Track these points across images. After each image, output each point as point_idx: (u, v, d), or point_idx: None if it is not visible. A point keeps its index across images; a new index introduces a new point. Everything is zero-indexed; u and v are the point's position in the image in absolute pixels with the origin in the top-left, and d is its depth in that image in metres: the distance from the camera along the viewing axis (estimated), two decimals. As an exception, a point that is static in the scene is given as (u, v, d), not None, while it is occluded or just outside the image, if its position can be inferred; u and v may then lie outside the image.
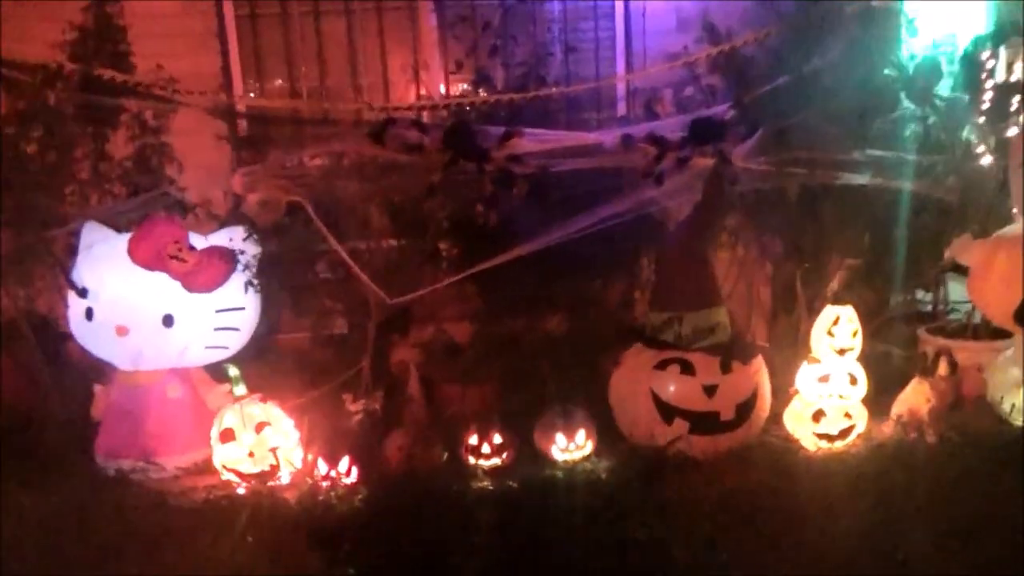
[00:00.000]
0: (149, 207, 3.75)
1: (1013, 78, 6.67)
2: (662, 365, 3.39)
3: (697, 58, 3.97)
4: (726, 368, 3.35)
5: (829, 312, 3.45)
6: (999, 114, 6.70)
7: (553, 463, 3.40)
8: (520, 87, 4.43)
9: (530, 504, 3.05)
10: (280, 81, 4.58)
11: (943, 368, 3.45)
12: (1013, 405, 3.53)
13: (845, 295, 3.65)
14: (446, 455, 3.41)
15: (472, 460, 3.38)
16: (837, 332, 3.43)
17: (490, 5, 4.58)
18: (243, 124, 4.50)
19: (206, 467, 3.42)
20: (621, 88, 4.62)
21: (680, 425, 3.33)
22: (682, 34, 4.46)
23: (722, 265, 4.05)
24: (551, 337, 4.04)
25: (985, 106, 6.63)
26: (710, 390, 3.31)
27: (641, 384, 3.41)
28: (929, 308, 4.72)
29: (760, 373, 3.47)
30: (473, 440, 3.39)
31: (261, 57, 4.52)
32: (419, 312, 4.14)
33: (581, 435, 3.44)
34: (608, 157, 3.50)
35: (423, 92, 4.52)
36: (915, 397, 3.51)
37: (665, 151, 3.44)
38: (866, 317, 3.97)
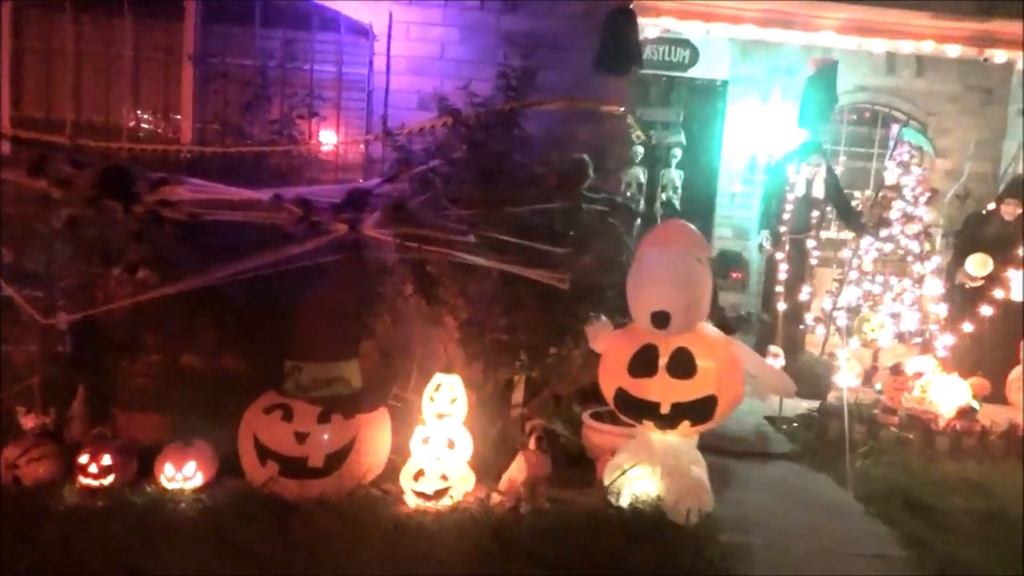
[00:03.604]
0: None
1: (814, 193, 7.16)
2: (269, 409, 3.61)
3: (401, 132, 4.31)
4: (324, 419, 3.56)
5: (434, 379, 3.70)
6: (799, 223, 7.16)
7: (156, 490, 3.59)
8: (267, 142, 4.80)
9: (90, 524, 3.23)
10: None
11: (532, 443, 3.67)
12: (609, 487, 3.74)
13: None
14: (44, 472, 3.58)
15: (81, 479, 3.58)
16: (438, 398, 3.67)
17: (249, 66, 4.95)
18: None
19: None
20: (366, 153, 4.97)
21: (271, 467, 3.53)
22: (423, 111, 4.81)
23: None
24: (229, 373, 4.24)
25: (787, 216, 7.12)
26: (301, 437, 3.53)
27: (249, 425, 3.63)
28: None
29: (369, 427, 3.68)
30: (83, 459, 3.59)
31: (28, 88, 4.89)
32: (150, 340, 4.38)
33: (191, 467, 3.65)
34: (259, 213, 3.77)
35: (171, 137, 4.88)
36: (516, 469, 3.72)
37: (308, 213, 3.72)
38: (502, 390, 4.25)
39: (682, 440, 3.76)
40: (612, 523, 3.55)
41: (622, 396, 3.69)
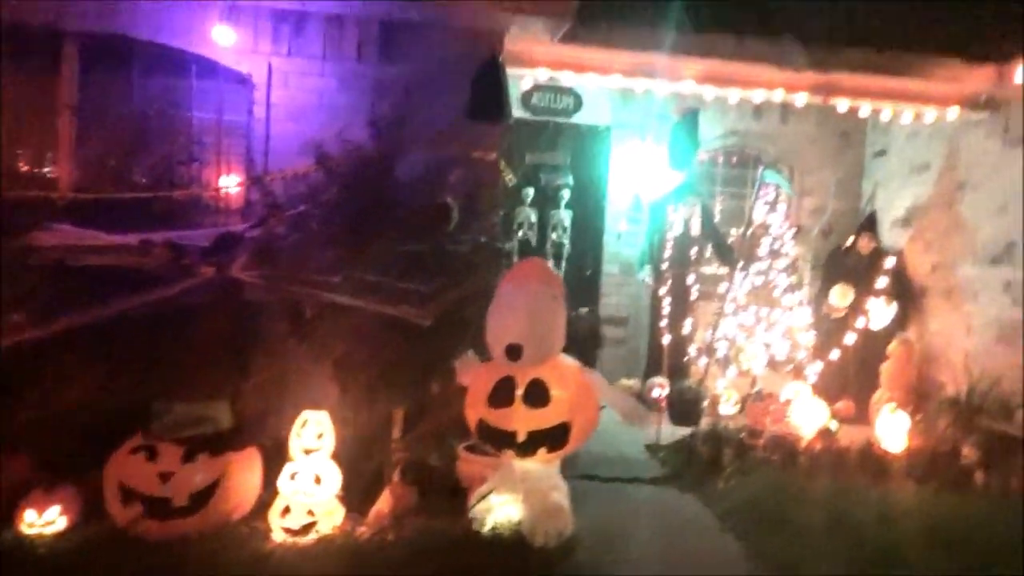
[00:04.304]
0: None
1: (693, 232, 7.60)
2: (134, 451, 3.66)
3: (272, 177, 4.47)
4: (189, 458, 3.63)
5: (301, 416, 3.82)
6: (678, 260, 7.57)
7: (14, 536, 3.57)
8: (147, 187, 4.88)
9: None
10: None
11: (396, 475, 3.82)
12: (472, 514, 3.92)
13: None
14: None
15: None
16: (304, 434, 3.79)
17: (129, 113, 5.03)
18: None
19: None
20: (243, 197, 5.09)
21: (135, 508, 3.57)
22: (303, 157, 4.95)
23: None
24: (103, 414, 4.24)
25: (667, 253, 7.52)
26: (165, 477, 3.59)
27: (114, 467, 3.67)
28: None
29: (236, 466, 3.76)
30: (-66, 507, 3.55)
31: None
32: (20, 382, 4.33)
33: (54, 511, 3.65)
34: (129, 257, 3.86)
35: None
36: (383, 501, 3.86)
37: (179, 256, 3.83)
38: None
39: (542, 467, 3.97)
40: (472, 547, 3.72)
41: (483, 426, 3.89)
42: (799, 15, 6.09)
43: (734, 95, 6.38)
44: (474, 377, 4.06)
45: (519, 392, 3.80)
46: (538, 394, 3.79)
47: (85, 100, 5.03)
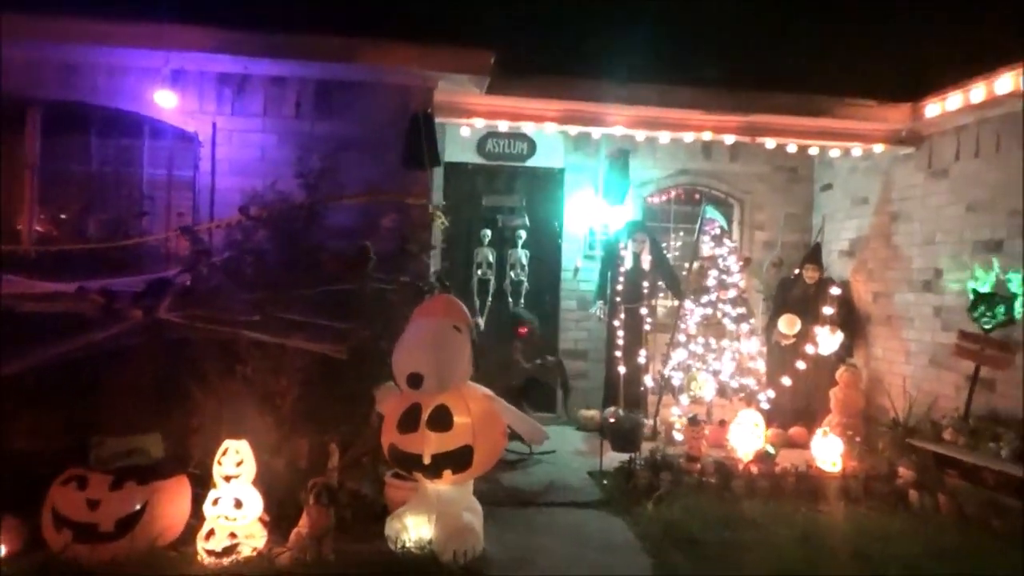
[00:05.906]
0: None
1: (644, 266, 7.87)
2: (66, 480, 3.96)
3: (206, 228, 4.84)
4: (116, 486, 3.93)
5: (223, 444, 4.11)
6: (631, 293, 7.83)
7: (-46, 564, 3.87)
8: (105, 239, 5.28)
9: None
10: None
11: (312, 499, 4.09)
12: (388, 535, 4.18)
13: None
14: None
15: None
16: (225, 461, 4.08)
17: (86, 171, 5.46)
18: None
19: None
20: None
21: (65, 534, 3.86)
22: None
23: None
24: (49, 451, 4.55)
25: (620, 287, 7.78)
26: (93, 504, 3.88)
27: (50, 497, 3.97)
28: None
29: (162, 493, 4.05)
30: None
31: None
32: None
33: (-6, 541, 3.95)
34: (66, 303, 4.22)
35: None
36: (301, 524, 4.12)
37: (111, 302, 4.18)
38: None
39: (454, 488, 4.23)
40: (384, 566, 3.97)
41: (393, 451, 4.16)
42: (722, 60, 6.47)
43: (664, 137, 6.73)
44: (389, 405, 4.35)
45: (424, 417, 4.07)
46: (441, 419, 4.06)
47: (47, 160, 5.45)
